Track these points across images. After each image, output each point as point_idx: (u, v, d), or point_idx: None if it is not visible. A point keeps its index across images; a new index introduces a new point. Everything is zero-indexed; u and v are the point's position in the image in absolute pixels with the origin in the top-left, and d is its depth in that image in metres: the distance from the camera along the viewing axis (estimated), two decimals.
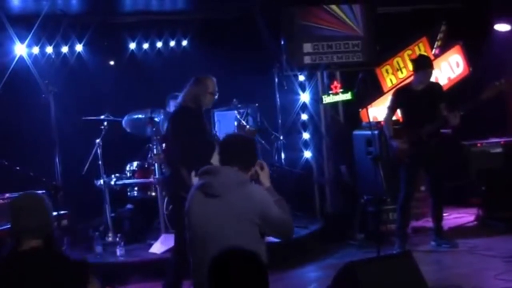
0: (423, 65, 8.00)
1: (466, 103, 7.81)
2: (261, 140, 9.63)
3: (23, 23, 8.91)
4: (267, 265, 3.98)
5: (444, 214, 8.47)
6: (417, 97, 7.93)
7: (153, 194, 8.66)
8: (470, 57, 10.51)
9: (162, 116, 8.47)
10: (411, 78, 8.33)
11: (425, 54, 9.78)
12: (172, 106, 9.05)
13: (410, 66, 8.57)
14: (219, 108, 9.62)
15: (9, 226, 7.51)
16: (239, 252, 3.15)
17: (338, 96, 9.42)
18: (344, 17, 9.49)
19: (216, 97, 6.89)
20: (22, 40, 8.78)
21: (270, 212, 4.37)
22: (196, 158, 6.16)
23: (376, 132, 8.68)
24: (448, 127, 8.15)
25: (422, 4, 10.43)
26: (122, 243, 7.99)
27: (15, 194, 7.99)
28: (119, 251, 7.93)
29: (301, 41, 9.31)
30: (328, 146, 9.69)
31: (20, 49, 8.78)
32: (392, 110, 8.20)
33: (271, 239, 4.71)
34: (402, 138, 7.97)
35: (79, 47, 9.70)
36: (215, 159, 6.41)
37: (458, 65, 10.55)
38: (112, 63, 10.37)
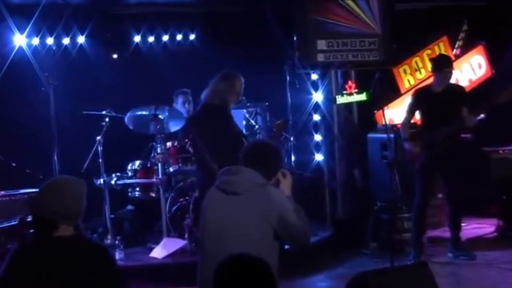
0: (442, 65, 7.98)
1: (481, 105, 7.78)
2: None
3: (23, 12, 8.90)
4: (278, 271, 4.00)
5: (462, 224, 8.44)
6: (436, 99, 7.90)
7: (155, 195, 8.64)
8: (493, 58, 10.49)
9: (167, 113, 8.46)
10: (431, 79, 8.31)
11: (445, 53, 9.75)
12: (179, 103, 9.07)
13: (429, 66, 8.57)
14: None
15: (5, 224, 7.60)
16: (246, 259, 3.15)
17: (353, 96, 9.39)
18: (360, 12, 9.47)
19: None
20: (21, 31, 8.78)
21: (288, 216, 4.48)
22: (225, 155, 6.27)
23: (392, 135, 8.65)
24: (465, 130, 8.12)
25: (443, 1, 10.40)
26: (122, 246, 7.98)
27: (10, 192, 8.07)
28: (118, 255, 7.90)
29: (315, 38, 9.29)
30: (341, 149, 9.67)
31: (20, 40, 8.78)
32: (410, 112, 8.18)
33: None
34: (416, 141, 7.95)
35: (81, 39, 9.70)
36: None
37: (480, 66, 10.53)
38: (115, 56, 10.37)
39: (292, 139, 9.79)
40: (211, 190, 4.68)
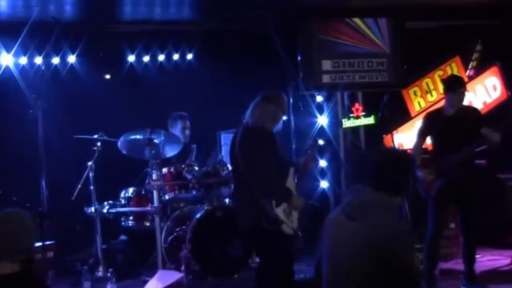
0: (454, 86, 7.95)
1: (499, 123, 7.74)
2: None
3: (10, 30, 8.92)
4: None
5: (477, 256, 8.37)
6: (448, 123, 7.87)
7: (150, 224, 8.60)
8: (509, 79, 10.48)
9: (162, 137, 8.44)
10: (443, 102, 8.29)
11: (457, 74, 9.75)
12: (178, 128, 9.04)
13: (440, 88, 8.54)
14: (226, 129, 9.58)
15: None
16: None
17: (360, 120, 9.37)
18: (368, 32, 9.49)
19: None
20: (8, 50, 8.78)
21: (408, 259, 4.24)
22: (275, 186, 6.42)
23: None
24: (487, 149, 8.05)
25: (456, 20, 10.40)
26: (114, 279, 7.93)
27: None
28: None
29: (320, 58, 9.29)
30: (347, 175, 9.63)
31: (6, 59, 8.78)
32: (421, 136, 8.15)
33: None
34: (429, 167, 7.91)
35: (71, 58, 9.70)
36: (290, 182, 6.52)
37: (495, 88, 10.52)
38: (108, 76, 10.36)
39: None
40: (336, 211, 4.55)
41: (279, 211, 6.45)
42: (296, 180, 6.90)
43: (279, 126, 6.84)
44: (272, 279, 6.55)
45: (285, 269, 6.58)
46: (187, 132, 9.08)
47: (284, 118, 6.98)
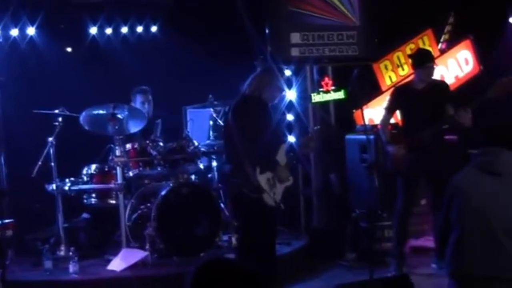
0: (423, 61, 8.03)
1: (472, 102, 7.83)
2: None
3: None
4: None
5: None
6: (418, 97, 7.95)
7: (114, 202, 8.61)
8: (481, 53, 10.57)
9: (126, 113, 8.44)
10: (413, 76, 8.37)
11: (425, 48, 9.83)
12: (138, 102, 9.04)
13: None
14: (192, 104, 9.61)
15: None
16: (227, 264, 3.21)
17: (330, 94, 9.42)
18: (338, 3, 9.53)
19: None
20: None
21: None
22: (262, 153, 6.58)
23: (371, 136, 8.71)
24: (456, 129, 8.17)
25: None
26: (76, 258, 7.93)
27: None
28: (72, 267, 7.87)
29: (288, 30, 9.33)
30: (316, 151, 9.69)
31: None
32: (390, 111, 8.23)
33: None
34: (399, 143, 8.00)
35: (31, 30, 9.64)
36: (281, 155, 6.62)
37: (467, 62, 10.61)
38: (69, 49, 10.32)
39: None
40: (466, 170, 5.01)
41: (262, 180, 6.59)
42: (288, 159, 7.02)
43: (276, 99, 7.05)
44: (251, 251, 6.67)
45: (264, 241, 6.70)
46: (146, 106, 9.06)
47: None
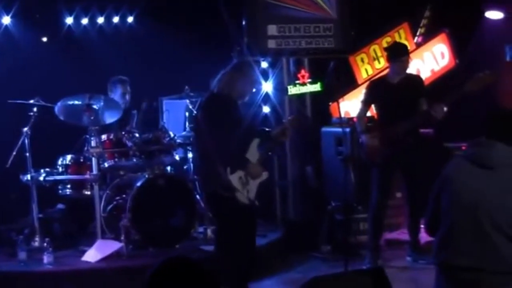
0: (398, 54, 8.08)
1: (447, 95, 7.88)
2: None
3: None
4: None
5: (422, 226, 8.54)
6: (392, 91, 8.00)
7: (89, 193, 8.58)
8: (457, 47, 10.62)
9: (102, 103, 8.41)
10: (388, 70, 8.40)
11: (400, 41, 9.86)
12: (118, 93, 9.00)
13: None
14: (168, 96, 9.59)
15: None
16: (187, 262, 3.21)
17: (306, 87, 9.44)
18: None
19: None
20: None
21: None
22: (231, 153, 6.61)
23: (347, 129, 8.72)
24: (430, 124, 8.23)
25: None
26: (51, 249, 7.91)
27: None
28: (46, 258, 7.85)
29: (265, 22, 9.33)
30: (292, 144, 9.71)
31: None
32: (366, 104, 8.27)
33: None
34: (373, 133, 8.03)
35: (6, 19, 9.58)
36: (253, 151, 6.70)
37: (443, 55, 10.65)
38: (45, 39, 10.25)
39: None
40: (457, 161, 5.05)
41: (234, 179, 6.59)
42: (261, 151, 7.02)
43: (246, 97, 7.02)
44: (228, 246, 6.70)
45: (240, 238, 6.72)
46: (127, 97, 9.04)
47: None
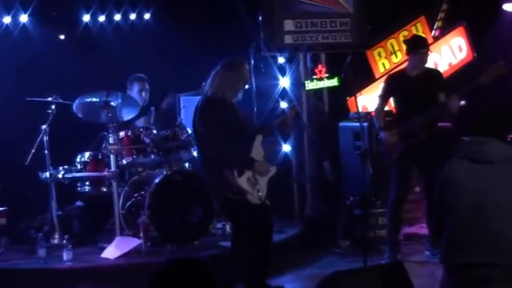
0: (417, 46, 8.04)
1: (462, 87, 7.84)
2: None
3: None
4: None
5: None
6: (411, 84, 7.96)
7: (107, 190, 8.60)
8: (474, 40, 10.57)
9: (119, 100, 8.42)
10: (407, 63, 8.37)
11: (419, 34, 9.82)
12: (135, 91, 9.01)
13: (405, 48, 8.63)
14: (185, 92, 9.59)
15: None
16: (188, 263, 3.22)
17: (323, 81, 9.43)
18: None
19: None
20: None
21: None
22: (235, 156, 6.59)
23: (365, 124, 8.71)
24: (446, 118, 8.19)
25: None
26: (70, 246, 7.92)
27: None
28: (66, 255, 7.86)
29: (282, 18, 9.31)
30: (310, 139, 9.69)
31: None
32: (384, 99, 8.24)
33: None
34: (392, 130, 8.00)
35: (23, 18, 9.60)
36: (257, 149, 6.72)
37: (460, 49, 10.62)
38: (62, 37, 10.27)
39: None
40: (455, 162, 4.94)
41: (243, 181, 6.56)
42: (266, 147, 7.01)
43: (239, 95, 6.96)
44: (243, 247, 6.70)
45: (256, 237, 6.71)
46: (144, 94, 9.05)
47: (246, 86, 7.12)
